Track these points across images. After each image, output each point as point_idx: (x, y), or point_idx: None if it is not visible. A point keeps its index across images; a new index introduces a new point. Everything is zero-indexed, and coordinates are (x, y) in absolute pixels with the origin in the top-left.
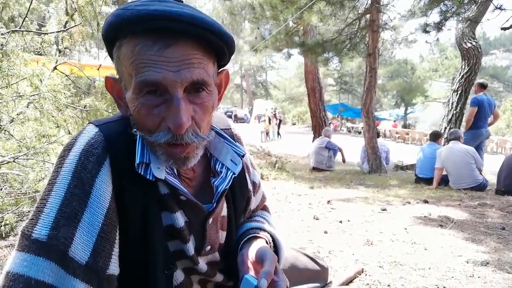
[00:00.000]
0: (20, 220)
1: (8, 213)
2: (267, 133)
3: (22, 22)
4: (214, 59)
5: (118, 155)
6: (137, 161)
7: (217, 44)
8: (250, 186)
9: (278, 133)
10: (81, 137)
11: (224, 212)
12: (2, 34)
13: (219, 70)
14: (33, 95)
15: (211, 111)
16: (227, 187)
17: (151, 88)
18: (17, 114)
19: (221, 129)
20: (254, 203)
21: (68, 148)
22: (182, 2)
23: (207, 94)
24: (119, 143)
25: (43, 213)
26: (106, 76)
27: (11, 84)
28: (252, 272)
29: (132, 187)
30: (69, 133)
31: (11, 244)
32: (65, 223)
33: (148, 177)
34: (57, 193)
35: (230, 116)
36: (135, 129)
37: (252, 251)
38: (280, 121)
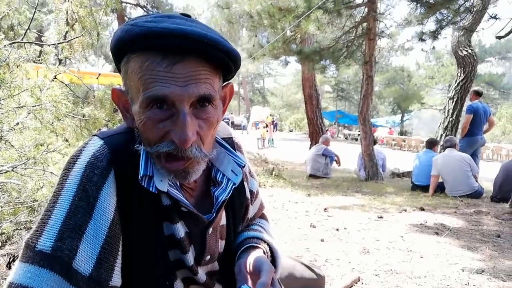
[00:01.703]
0: (18, 229)
1: (6, 223)
2: (263, 140)
3: (25, 34)
4: (220, 74)
5: (122, 168)
6: (141, 174)
7: (224, 61)
8: (248, 195)
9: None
10: (86, 149)
11: (223, 221)
12: (4, 46)
13: (224, 84)
14: (34, 106)
15: (215, 125)
16: (228, 197)
17: (158, 102)
18: (16, 124)
19: (222, 137)
20: (252, 211)
21: (73, 160)
22: (190, 17)
23: (213, 108)
24: (124, 156)
25: (47, 224)
26: (113, 88)
27: (13, 96)
28: (249, 283)
29: (135, 199)
30: (67, 141)
31: (7, 253)
32: (69, 235)
33: (151, 189)
34: (62, 205)
35: (227, 123)
36: (137, 144)
37: (249, 262)
38: (274, 126)
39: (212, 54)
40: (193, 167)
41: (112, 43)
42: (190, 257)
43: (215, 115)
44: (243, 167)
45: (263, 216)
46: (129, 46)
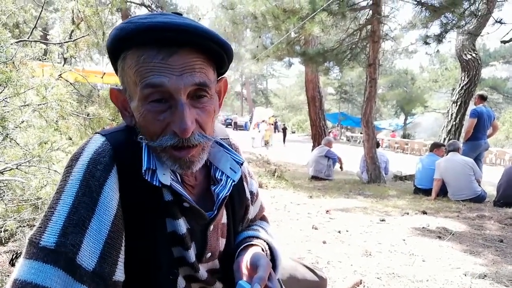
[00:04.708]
0: (21, 226)
1: (9, 220)
2: (266, 142)
3: (31, 32)
4: (214, 66)
5: (125, 163)
6: (144, 167)
7: (217, 51)
8: (248, 195)
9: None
10: (89, 146)
11: (224, 219)
12: (11, 44)
13: (218, 78)
14: (40, 104)
15: (213, 115)
16: (228, 194)
17: (156, 92)
18: (21, 122)
19: (220, 138)
20: (252, 212)
21: (75, 157)
22: (181, 15)
23: (208, 98)
24: (126, 151)
25: (51, 221)
26: (111, 88)
27: (19, 94)
28: (246, 278)
29: (138, 194)
30: (71, 139)
31: (10, 250)
32: (73, 231)
33: (154, 183)
34: (65, 201)
35: (230, 124)
36: (141, 137)
37: (247, 258)
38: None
39: (205, 45)
40: (198, 155)
41: (108, 42)
42: (191, 254)
43: (211, 104)
44: (241, 164)
45: (263, 218)
46: (125, 42)
